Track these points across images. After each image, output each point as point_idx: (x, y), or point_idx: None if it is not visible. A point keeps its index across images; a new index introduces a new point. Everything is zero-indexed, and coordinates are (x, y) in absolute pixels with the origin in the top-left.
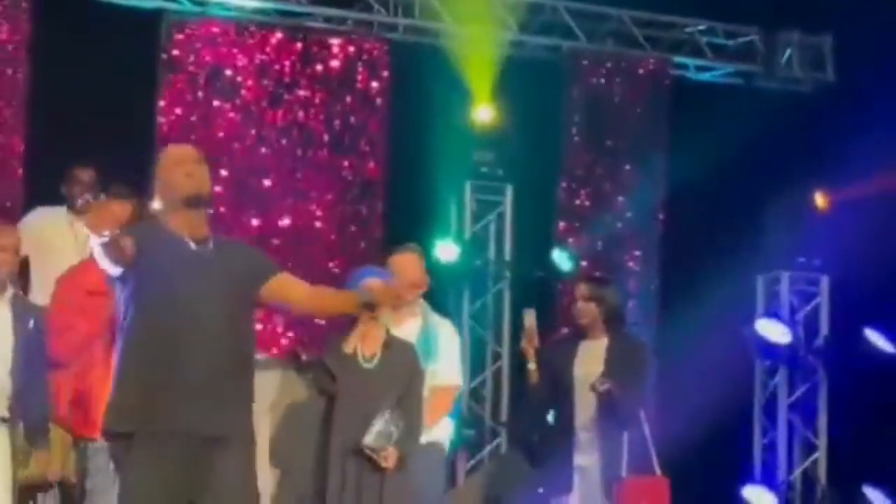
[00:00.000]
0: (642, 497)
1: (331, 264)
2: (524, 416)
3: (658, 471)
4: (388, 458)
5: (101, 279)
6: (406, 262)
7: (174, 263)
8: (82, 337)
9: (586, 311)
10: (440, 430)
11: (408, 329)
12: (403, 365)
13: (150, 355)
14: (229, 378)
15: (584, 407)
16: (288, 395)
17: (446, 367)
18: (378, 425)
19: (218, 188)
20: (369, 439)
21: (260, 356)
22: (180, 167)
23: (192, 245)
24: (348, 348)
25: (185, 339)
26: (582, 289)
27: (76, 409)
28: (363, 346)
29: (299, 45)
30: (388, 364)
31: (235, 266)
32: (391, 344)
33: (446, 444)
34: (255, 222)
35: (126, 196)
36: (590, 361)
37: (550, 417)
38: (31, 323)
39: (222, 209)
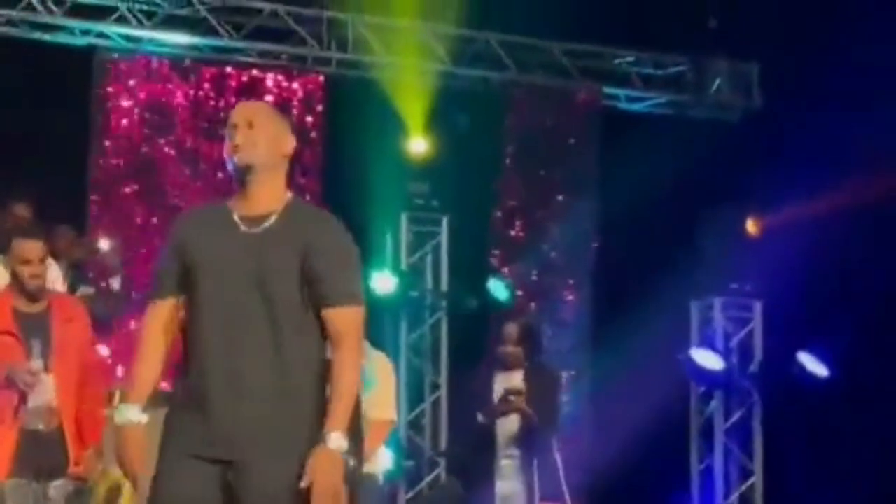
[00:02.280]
0: None
1: None
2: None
3: (568, 499)
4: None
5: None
6: None
7: None
8: None
9: (515, 354)
10: (375, 463)
11: None
12: None
13: None
14: None
15: (504, 434)
16: None
17: (381, 400)
18: None
19: (154, 220)
20: None
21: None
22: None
23: None
24: None
25: None
26: (510, 332)
27: None
28: None
29: (234, 80)
30: None
31: None
32: None
33: (381, 477)
34: None
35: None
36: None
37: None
38: None
39: (156, 241)
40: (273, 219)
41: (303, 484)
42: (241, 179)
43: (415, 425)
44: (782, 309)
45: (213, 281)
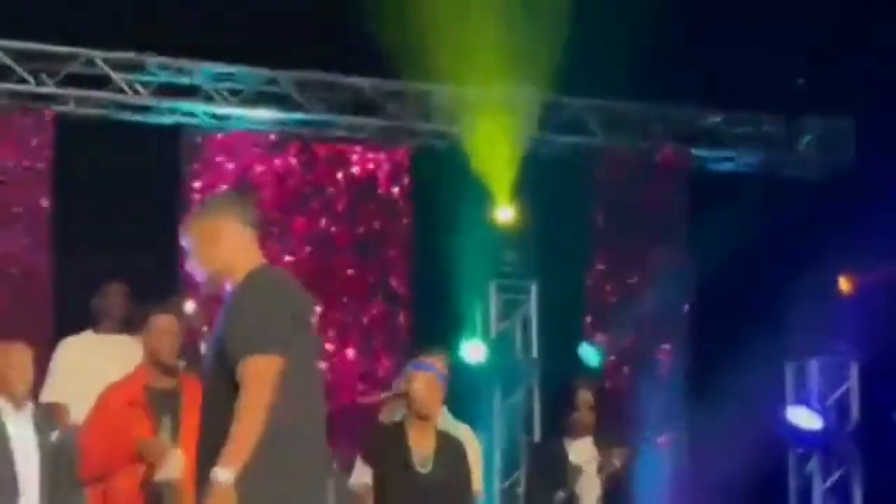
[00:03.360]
0: None
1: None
2: None
3: None
4: None
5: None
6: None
7: None
8: (102, 460)
9: (587, 420)
10: None
11: None
12: (456, 467)
13: None
14: None
15: (587, 494)
16: None
17: None
18: None
19: None
20: None
21: None
22: None
23: None
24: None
25: None
26: (586, 398)
27: None
28: (417, 448)
29: (320, 153)
30: (442, 467)
31: None
32: (443, 445)
33: None
34: None
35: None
36: (582, 455)
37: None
38: (55, 436)
39: None
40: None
41: None
42: None
43: (509, 494)
44: (879, 368)
45: None
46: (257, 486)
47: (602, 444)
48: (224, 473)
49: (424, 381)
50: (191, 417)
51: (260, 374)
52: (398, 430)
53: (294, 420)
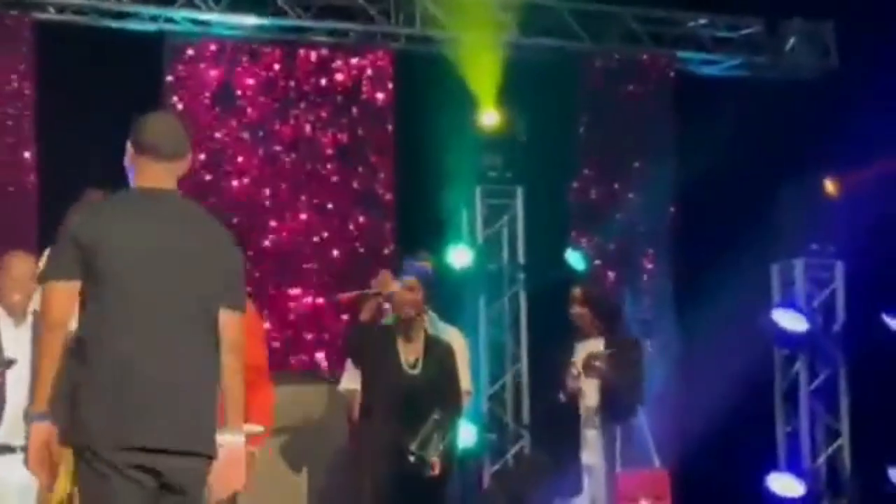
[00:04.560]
0: (640, 490)
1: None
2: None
3: (657, 463)
4: (435, 467)
5: None
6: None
7: None
8: None
9: (581, 315)
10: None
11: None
12: (444, 369)
13: None
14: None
15: (586, 405)
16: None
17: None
18: (426, 432)
19: (228, 203)
20: (417, 445)
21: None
22: None
23: None
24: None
25: None
26: (575, 294)
27: None
28: (406, 351)
29: (303, 59)
30: (431, 369)
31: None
32: (431, 347)
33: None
34: (264, 237)
35: None
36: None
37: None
38: None
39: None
40: None
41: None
42: None
43: (496, 398)
44: (864, 269)
45: None
46: (64, 409)
47: (611, 344)
48: (33, 409)
49: (403, 285)
50: None
51: (42, 302)
52: (387, 332)
53: (105, 336)
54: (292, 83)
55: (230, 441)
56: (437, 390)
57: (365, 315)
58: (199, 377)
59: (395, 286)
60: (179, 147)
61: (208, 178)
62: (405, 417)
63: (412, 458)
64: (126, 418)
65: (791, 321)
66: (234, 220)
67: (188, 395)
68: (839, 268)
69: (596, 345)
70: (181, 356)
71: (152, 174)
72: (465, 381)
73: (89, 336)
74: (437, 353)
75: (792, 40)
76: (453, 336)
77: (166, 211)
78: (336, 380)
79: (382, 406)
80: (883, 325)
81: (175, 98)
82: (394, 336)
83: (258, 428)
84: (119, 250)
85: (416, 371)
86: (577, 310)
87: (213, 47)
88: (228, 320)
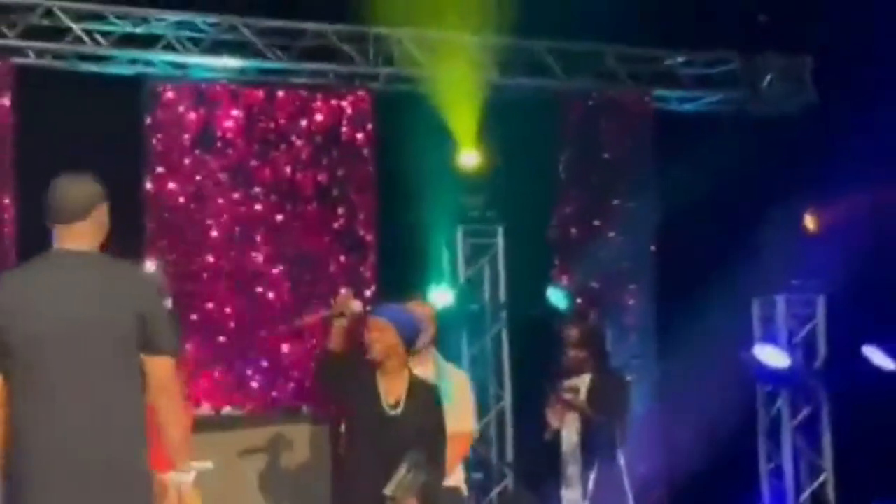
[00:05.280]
0: None
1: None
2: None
3: None
4: None
5: None
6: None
7: None
8: None
9: (578, 357)
10: (458, 476)
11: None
12: (427, 411)
13: None
14: None
15: (569, 439)
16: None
17: (461, 414)
18: (401, 474)
19: (209, 246)
20: (391, 488)
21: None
22: None
23: None
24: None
25: None
26: (572, 336)
27: None
28: (387, 391)
29: (282, 101)
30: (413, 411)
31: None
32: (415, 389)
33: (465, 490)
34: (244, 279)
35: None
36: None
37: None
38: None
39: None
40: None
41: None
42: None
43: (480, 437)
44: (845, 303)
45: None
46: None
47: (600, 380)
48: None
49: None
50: None
51: None
52: (368, 367)
53: (23, 427)
54: (272, 124)
55: (178, 480)
56: (419, 434)
57: (335, 343)
58: (127, 446)
59: (355, 306)
60: (74, 211)
61: (188, 219)
62: (384, 463)
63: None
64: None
65: (772, 357)
66: (212, 260)
67: (117, 467)
68: (820, 303)
69: (583, 381)
70: (104, 429)
71: (60, 236)
72: (468, 422)
73: (14, 420)
74: (421, 395)
75: (769, 76)
76: (458, 377)
77: (76, 276)
78: (317, 418)
79: (360, 449)
80: (864, 359)
81: (154, 141)
82: (374, 373)
83: (207, 464)
84: (26, 326)
85: (397, 412)
86: (573, 353)
87: (192, 90)
88: (153, 365)
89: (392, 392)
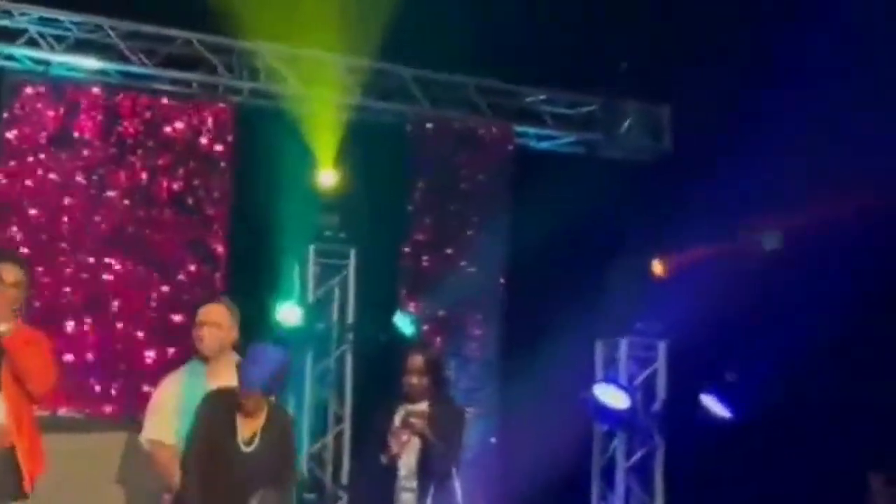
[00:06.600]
0: None
1: (175, 317)
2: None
3: None
4: None
5: None
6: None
7: None
8: None
9: (418, 385)
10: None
11: (229, 381)
12: (281, 445)
13: None
14: None
15: (405, 466)
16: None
17: None
18: None
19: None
20: None
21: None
22: None
23: None
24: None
25: None
26: (416, 363)
27: None
28: (242, 427)
29: (143, 106)
30: (267, 447)
31: None
32: (270, 423)
33: None
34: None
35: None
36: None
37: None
38: None
39: (61, 258)
40: None
41: None
42: None
43: (317, 458)
44: (686, 350)
45: None
46: None
47: (436, 408)
48: None
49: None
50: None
51: None
52: (230, 403)
53: None
54: (131, 129)
55: None
56: (270, 467)
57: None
58: None
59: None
60: None
61: (39, 218)
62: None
63: None
64: None
65: (612, 398)
66: (61, 259)
67: None
68: (662, 347)
69: (420, 407)
70: None
71: None
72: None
73: None
74: (276, 428)
75: (628, 121)
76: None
77: None
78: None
79: (211, 487)
80: (701, 405)
81: (11, 135)
82: (234, 407)
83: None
84: None
85: (251, 449)
86: (415, 380)
87: (52, 88)
88: None
89: (248, 427)
